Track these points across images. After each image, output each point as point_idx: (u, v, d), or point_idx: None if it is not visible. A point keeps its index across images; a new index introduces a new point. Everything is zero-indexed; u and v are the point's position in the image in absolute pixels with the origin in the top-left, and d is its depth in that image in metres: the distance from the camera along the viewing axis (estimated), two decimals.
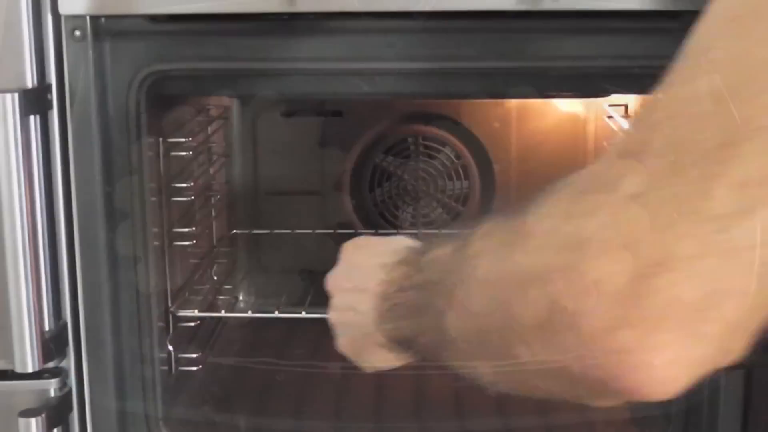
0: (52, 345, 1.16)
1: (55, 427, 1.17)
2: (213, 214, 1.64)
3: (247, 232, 1.63)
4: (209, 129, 1.61)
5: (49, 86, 1.13)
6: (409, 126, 1.75)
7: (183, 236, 1.38)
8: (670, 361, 0.44)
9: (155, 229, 1.22)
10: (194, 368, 1.39)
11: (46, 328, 1.15)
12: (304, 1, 1.07)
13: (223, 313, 1.48)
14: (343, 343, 0.85)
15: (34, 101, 1.10)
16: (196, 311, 1.37)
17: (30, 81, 1.10)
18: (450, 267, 0.56)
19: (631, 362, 0.44)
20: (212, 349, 1.54)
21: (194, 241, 1.42)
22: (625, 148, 0.46)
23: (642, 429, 1.32)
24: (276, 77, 1.19)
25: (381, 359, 0.80)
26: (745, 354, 0.47)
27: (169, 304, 1.31)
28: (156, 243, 1.23)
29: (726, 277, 0.43)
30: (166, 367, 1.28)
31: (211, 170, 1.64)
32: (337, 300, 0.83)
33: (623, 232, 0.44)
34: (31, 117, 1.10)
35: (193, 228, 1.43)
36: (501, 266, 0.52)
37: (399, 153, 1.77)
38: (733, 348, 0.47)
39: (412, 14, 1.09)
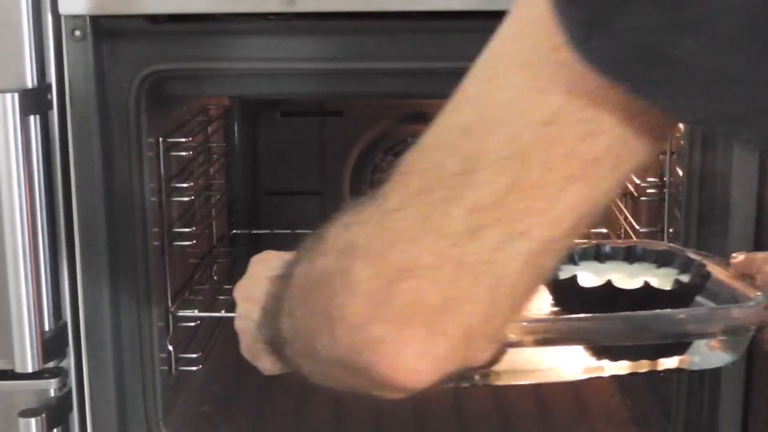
0: (52, 345, 1.16)
1: (55, 427, 1.17)
2: (213, 214, 1.64)
3: (247, 232, 1.63)
4: (209, 129, 1.61)
5: (49, 86, 1.13)
6: (409, 126, 1.75)
7: (183, 236, 1.38)
8: (416, 354, 0.50)
9: (155, 229, 1.22)
10: (194, 368, 1.39)
11: (46, 328, 1.15)
12: (304, 1, 1.07)
13: (223, 313, 1.48)
14: (243, 348, 0.91)
15: (34, 101, 1.10)
16: (196, 311, 1.37)
17: (30, 81, 1.10)
18: (287, 272, 0.62)
19: (384, 352, 0.51)
20: (212, 349, 1.54)
21: (194, 241, 1.42)
22: (401, 165, 0.53)
23: (642, 429, 1.32)
24: (276, 77, 1.19)
25: (269, 365, 0.86)
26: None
27: (169, 304, 1.31)
28: (156, 243, 1.23)
29: (460, 286, 0.49)
30: (166, 367, 1.28)
31: (211, 170, 1.64)
32: (239, 308, 0.88)
33: (382, 241, 0.51)
34: (31, 117, 1.10)
35: (193, 228, 1.43)
36: (306, 269, 0.58)
37: (399, 153, 1.76)
38: (478, 349, 0.52)
39: (412, 14, 1.09)
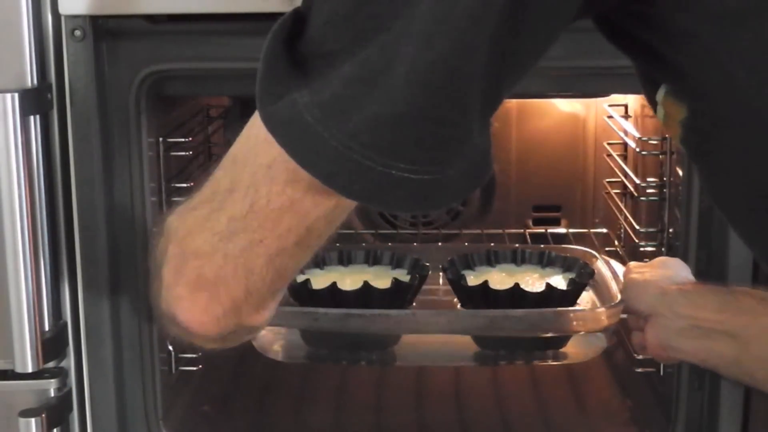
0: (52, 345, 1.16)
1: (55, 427, 1.17)
2: None
3: None
4: (209, 129, 1.61)
5: (49, 86, 1.13)
6: None
7: None
8: (202, 311, 0.71)
9: (155, 229, 1.22)
10: (194, 368, 1.39)
11: (46, 328, 1.15)
12: None
13: None
14: None
15: (34, 101, 1.10)
16: None
17: (30, 81, 1.10)
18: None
19: (182, 306, 0.71)
20: (212, 349, 1.54)
21: None
22: (212, 176, 0.72)
23: (642, 429, 1.32)
24: None
25: None
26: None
27: None
28: None
29: (226, 271, 0.69)
30: (166, 367, 1.28)
31: (211, 170, 1.64)
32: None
33: (184, 230, 0.71)
34: (31, 117, 1.10)
35: None
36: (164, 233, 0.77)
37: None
38: (248, 315, 0.72)
39: None
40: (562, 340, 1.27)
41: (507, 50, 0.60)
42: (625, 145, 1.58)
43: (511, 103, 1.72)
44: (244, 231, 0.68)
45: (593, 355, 1.30)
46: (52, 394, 1.18)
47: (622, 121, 1.57)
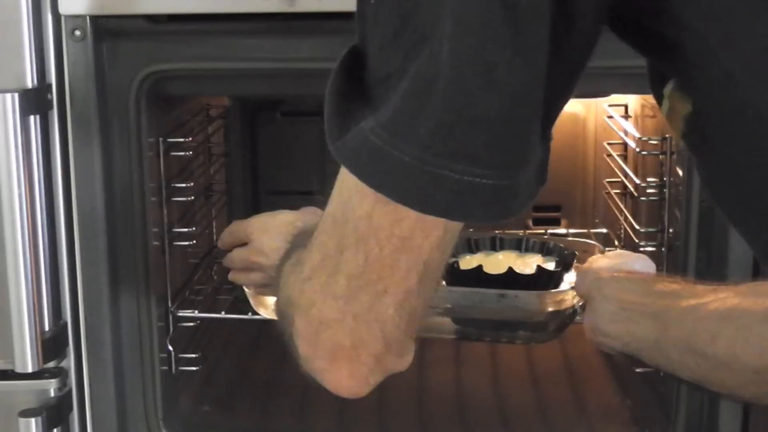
0: (52, 345, 1.16)
1: (55, 427, 1.17)
2: (213, 214, 1.64)
3: None
4: (209, 129, 1.61)
5: (49, 86, 1.13)
6: None
7: (183, 236, 1.38)
8: (347, 377, 0.71)
9: (155, 229, 1.22)
10: (194, 368, 1.39)
11: (46, 328, 1.15)
12: (303, 1, 1.07)
13: (223, 314, 1.48)
14: (249, 291, 1.17)
15: (34, 101, 1.10)
16: (196, 311, 1.37)
17: (30, 81, 1.10)
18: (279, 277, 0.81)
19: (326, 377, 0.72)
20: (212, 349, 1.54)
21: (194, 241, 1.42)
22: (314, 241, 0.70)
23: (642, 429, 1.32)
24: (276, 77, 1.19)
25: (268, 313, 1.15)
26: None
27: (169, 304, 1.31)
28: (156, 243, 1.23)
29: (360, 332, 0.68)
30: (166, 367, 1.28)
31: (211, 170, 1.64)
32: (257, 267, 1.14)
33: (305, 301, 0.70)
34: (31, 117, 1.10)
35: (193, 228, 1.43)
36: (277, 292, 0.79)
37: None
38: (392, 363, 0.71)
39: None
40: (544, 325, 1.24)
41: (561, 47, 0.61)
42: (625, 145, 1.58)
43: None
44: (366, 286, 0.67)
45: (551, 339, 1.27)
46: (52, 394, 1.18)
47: (622, 121, 1.57)
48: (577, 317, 1.16)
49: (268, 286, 1.14)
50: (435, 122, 0.60)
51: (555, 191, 1.74)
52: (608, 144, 1.64)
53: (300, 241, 0.83)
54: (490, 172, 0.61)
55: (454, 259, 1.26)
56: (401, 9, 0.61)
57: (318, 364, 0.72)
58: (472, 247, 1.30)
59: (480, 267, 1.20)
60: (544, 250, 1.30)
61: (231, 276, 1.22)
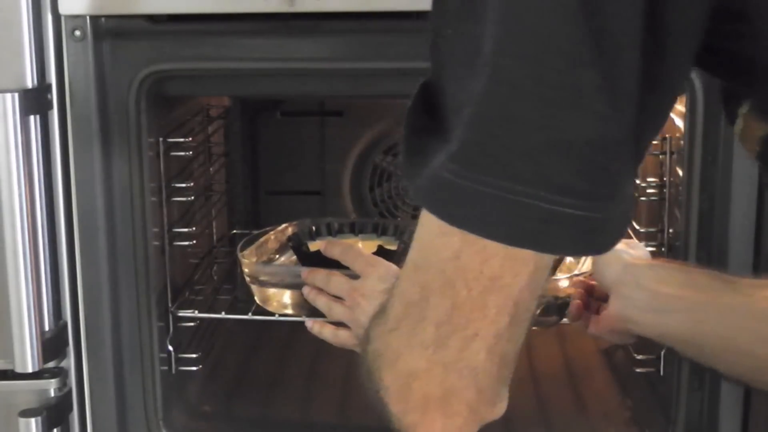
0: (52, 345, 1.16)
1: (55, 427, 1.17)
2: (213, 214, 1.64)
3: (247, 232, 1.62)
4: (209, 129, 1.61)
5: (49, 86, 1.13)
6: None
7: (183, 236, 1.38)
8: (441, 429, 0.68)
9: (155, 229, 1.22)
10: (194, 368, 1.39)
11: (46, 328, 1.15)
12: (303, 1, 1.07)
13: (223, 314, 1.48)
14: (358, 343, 1.08)
15: (34, 101, 1.10)
16: (196, 312, 1.37)
17: (30, 81, 1.10)
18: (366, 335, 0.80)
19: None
20: (212, 349, 1.54)
21: (194, 241, 1.42)
22: (395, 291, 0.68)
23: (642, 429, 1.32)
24: (276, 77, 1.19)
25: None
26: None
27: (169, 304, 1.31)
28: (156, 243, 1.23)
29: (451, 380, 0.65)
30: (166, 367, 1.28)
31: (211, 170, 1.64)
32: (357, 311, 1.11)
33: (391, 354, 0.68)
34: (31, 117, 1.10)
35: (193, 228, 1.43)
36: (365, 347, 0.75)
37: (399, 153, 1.77)
38: (487, 411, 0.68)
39: (412, 14, 1.09)
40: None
41: (652, 75, 0.58)
42: None
43: None
44: (454, 332, 0.65)
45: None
46: (52, 394, 1.18)
47: None
48: (564, 319, 1.17)
49: (340, 329, 1.15)
50: (520, 149, 0.57)
51: None
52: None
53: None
54: (581, 202, 0.58)
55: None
56: (476, 38, 0.58)
57: (410, 418, 0.69)
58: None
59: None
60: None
61: (311, 295, 1.20)
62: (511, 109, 0.56)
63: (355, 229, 1.51)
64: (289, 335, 1.60)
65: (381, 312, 0.71)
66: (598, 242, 0.60)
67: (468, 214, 0.59)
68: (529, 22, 0.56)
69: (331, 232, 1.49)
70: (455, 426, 0.68)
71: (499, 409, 0.69)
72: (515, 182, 0.57)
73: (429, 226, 0.62)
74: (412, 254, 0.66)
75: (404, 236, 1.46)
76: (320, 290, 1.21)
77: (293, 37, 1.13)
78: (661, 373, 1.29)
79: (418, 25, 1.12)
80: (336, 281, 1.17)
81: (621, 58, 0.56)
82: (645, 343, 1.24)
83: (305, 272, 1.23)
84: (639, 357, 1.29)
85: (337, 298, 1.18)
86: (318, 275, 1.21)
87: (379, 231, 1.51)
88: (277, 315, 1.41)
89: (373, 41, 1.13)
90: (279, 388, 1.46)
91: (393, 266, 1.14)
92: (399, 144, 0.63)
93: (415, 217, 1.78)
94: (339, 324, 1.19)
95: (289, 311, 1.37)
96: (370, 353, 0.71)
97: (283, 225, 1.57)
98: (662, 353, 1.27)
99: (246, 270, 1.37)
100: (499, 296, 0.63)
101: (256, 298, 1.37)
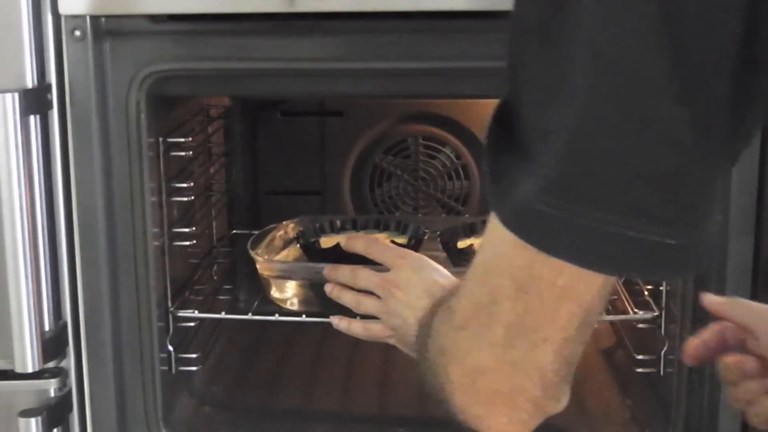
0: (52, 345, 1.16)
1: (55, 427, 1.17)
2: (213, 214, 1.64)
3: (247, 232, 1.63)
4: (209, 129, 1.61)
5: (49, 86, 1.13)
6: (409, 126, 1.75)
7: (183, 236, 1.38)
8: (506, 423, 0.72)
9: (155, 229, 1.22)
10: (194, 368, 1.39)
11: (46, 328, 1.15)
12: (303, 1, 1.07)
13: (223, 314, 1.48)
14: (393, 334, 1.15)
15: (34, 101, 1.10)
16: (196, 312, 1.37)
17: (30, 81, 1.10)
18: (428, 329, 0.82)
19: (483, 424, 0.72)
20: (212, 349, 1.54)
21: (194, 241, 1.42)
22: (462, 290, 0.71)
23: (642, 429, 1.32)
24: (276, 77, 1.19)
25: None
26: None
27: (169, 304, 1.31)
28: (156, 243, 1.23)
29: (518, 378, 0.69)
30: (166, 367, 1.28)
31: (211, 170, 1.64)
32: (392, 302, 1.12)
33: (459, 350, 0.71)
34: (31, 117, 1.10)
35: (193, 228, 1.43)
36: (426, 342, 0.79)
37: (399, 153, 1.77)
38: (549, 407, 0.72)
39: (412, 14, 1.09)
40: None
41: (741, 103, 0.58)
42: None
43: None
44: (524, 335, 0.67)
45: None
46: (52, 394, 1.18)
47: None
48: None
49: (371, 322, 1.16)
50: (611, 182, 0.58)
51: None
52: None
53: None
54: (668, 230, 0.59)
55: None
56: (559, 67, 0.58)
57: (475, 411, 0.72)
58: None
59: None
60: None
61: (334, 292, 1.21)
62: (602, 143, 0.57)
63: (357, 226, 1.53)
64: (289, 335, 1.60)
65: (446, 310, 0.73)
66: (682, 267, 0.62)
67: (559, 243, 0.61)
68: (618, 57, 0.56)
69: (334, 228, 1.51)
70: (520, 420, 0.72)
71: (562, 404, 0.73)
72: (606, 213, 0.58)
73: (501, 236, 0.64)
74: (482, 258, 0.68)
75: (408, 231, 1.49)
76: (343, 286, 1.21)
77: (293, 37, 1.13)
78: (661, 373, 1.30)
79: (418, 25, 1.12)
80: (363, 275, 1.18)
81: (710, 89, 0.57)
82: (645, 343, 1.24)
83: (328, 269, 1.23)
84: (639, 357, 1.30)
85: (364, 292, 1.18)
86: (342, 271, 1.21)
87: (381, 226, 1.53)
88: (277, 315, 1.41)
89: (373, 41, 1.13)
90: (279, 388, 1.46)
91: (423, 256, 1.17)
92: (483, 155, 0.64)
93: (415, 212, 1.79)
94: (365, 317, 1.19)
95: (305, 308, 1.39)
96: (434, 348, 0.75)
97: (284, 223, 1.57)
98: (662, 353, 1.27)
99: (260, 267, 1.39)
100: (571, 305, 0.65)
101: (272, 295, 1.39)
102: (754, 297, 1.15)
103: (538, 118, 0.60)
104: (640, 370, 1.35)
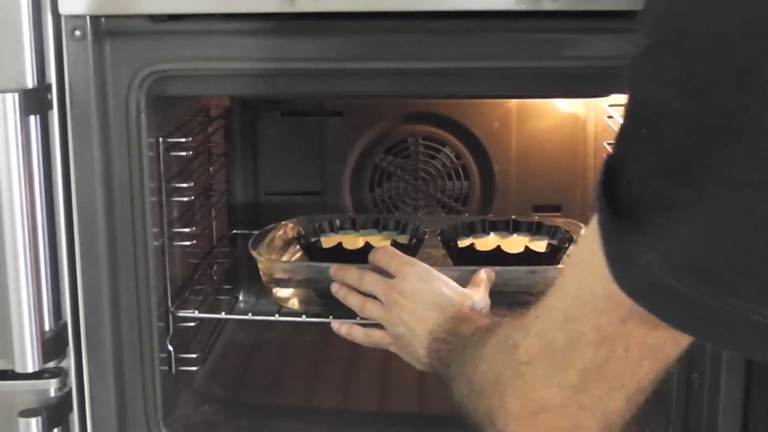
0: (52, 345, 1.16)
1: (55, 427, 1.17)
2: (213, 214, 1.64)
3: (247, 232, 1.63)
4: (209, 129, 1.61)
5: (49, 86, 1.13)
6: (409, 126, 1.75)
7: (183, 236, 1.38)
8: None
9: (155, 229, 1.22)
10: (194, 368, 1.39)
11: (46, 328, 1.15)
12: (304, 1, 1.07)
13: (223, 314, 1.48)
14: (395, 342, 1.16)
15: (34, 101, 1.10)
16: (196, 312, 1.37)
17: (30, 81, 1.10)
18: (460, 350, 0.90)
19: None
20: (212, 349, 1.54)
21: (194, 241, 1.42)
22: (521, 326, 0.74)
23: (642, 429, 1.32)
24: (276, 77, 1.19)
25: (420, 368, 1.13)
26: None
27: (169, 304, 1.31)
28: (156, 243, 1.23)
29: (582, 419, 0.71)
30: (166, 367, 1.28)
31: (211, 170, 1.64)
32: (396, 310, 1.13)
33: (523, 384, 0.72)
34: (31, 117, 1.10)
35: (193, 228, 1.43)
36: (471, 372, 0.83)
37: (399, 153, 1.77)
38: None
39: (412, 14, 1.09)
40: None
41: None
42: None
43: (511, 103, 1.72)
44: (600, 381, 0.69)
45: None
46: (52, 394, 1.18)
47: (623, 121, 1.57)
48: None
49: (373, 329, 1.17)
50: (745, 271, 0.58)
51: (555, 191, 1.74)
52: (608, 144, 1.64)
53: (460, 324, 0.95)
54: None
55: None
56: (686, 146, 0.58)
57: None
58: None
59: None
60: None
61: (340, 292, 1.22)
62: (754, 241, 0.57)
63: (356, 225, 1.54)
64: (289, 335, 1.60)
65: (506, 340, 0.76)
66: None
67: (685, 318, 0.61)
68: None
69: (333, 228, 1.52)
70: None
71: None
72: (735, 297, 0.58)
73: (590, 287, 0.66)
74: (561, 303, 0.70)
75: (408, 230, 1.51)
76: (349, 288, 1.21)
77: (293, 37, 1.13)
78: None
79: (418, 25, 1.12)
80: (370, 279, 1.18)
81: None
82: None
83: (334, 268, 1.24)
84: None
85: (369, 296, 1.19)
86: (349, 272, 1.21)
87: (380, 226, 1.53)
88: (277, 315, 1.41)
89: (373, 41, 1.13)
90: (279, 387, 1.46)
91: (429, 267, 1.17)
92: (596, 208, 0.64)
93: (415, 212, 1.79)
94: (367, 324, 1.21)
95: (305, 307, 1.40)
96: (489, 375, 0.77)
97: (282, 223, 1.57)
98: None
99: (263, 267, 1.39)
100: (655, 361, 0.68)
101: (275, 294, 1.41)
102: None
103: (656, 191, 0.60)
104: None
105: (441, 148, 1.75)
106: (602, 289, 0.64)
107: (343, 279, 1.22)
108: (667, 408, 1.26)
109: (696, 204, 0.58)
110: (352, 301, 1.20)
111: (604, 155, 1.73)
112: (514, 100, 1.71)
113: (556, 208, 1.76)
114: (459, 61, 1.14)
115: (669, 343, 0.67)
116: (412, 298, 1.12)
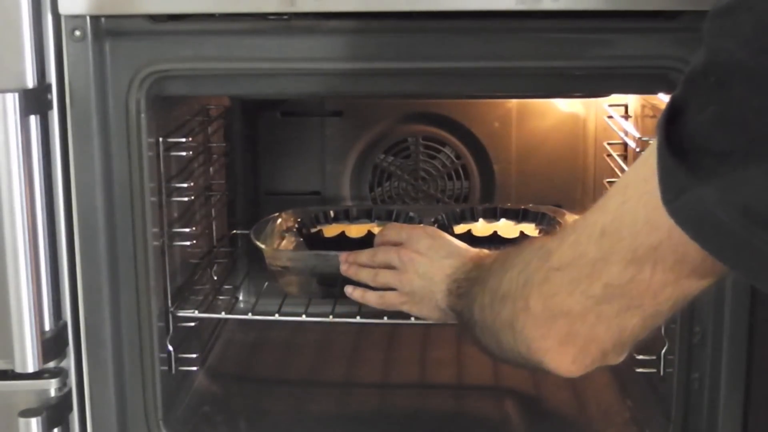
0: (52, 345, 1.16)
1: (55, 427, 1.17)
2: (213, 214, 1.64)
3: (247, 232, 1.63)
4: (209, 129, 1.61)
5: (49, 86, 1.13)
6: (409, 126, 1.75)
7: (183, 236, 1.38)
8: (571, 361, 0.79)
9: (155, 229, 1.22)
10: (194, 368, 1.39)
11: (46, 328, 1.15)
12: (304, 1, 1.07)
13: (223, 314, 1.48)
14: (408, 300, 1.21)
15: (34, 101, 1.10)
16: (196, 312, 1.37)
17: (30, 81, 1.10)
18: (483, 276, 0.92)
19: (550, 357, 0.79)
20: (212, 349, 1.54)
21: (194, 241, 1.42)
22: (568, 236, 0.77)
23: (642, 429, 1.32)
24: (276, 77, 1.19)
25: (435, 316, 1.17)
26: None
27: (169, 304, 1.31)
28: (156, 243, 1.23)
29: (599, 329, 0.75)
30: (166, 367, 1.28)
31: (211, 170, 1.64)
32: (412, 267, 1.18)
33: (549, 287, 0.77)
34: (31, 117, 1.10)
35: (193, 228, 1.43)
36: (495, 283, 0.86)
37: (399, 153, 1.77)
38: (611, 359, 0.79)
39: (412, 14, 1.09)
40: None
41: None
42: (625, 145, 1.58)
43: (511, 103, 1.72)
44: (621, 297, 0.73)
45: None
46: (52, 394, 1.18)
47: (622, 121, 1.57)
48: None
49: (386, 294, 1.21)
50: None
51: (555, 191, 1.74)
52: (608, 144, 1.64)
53: (476, 271, 0.98)
54: None
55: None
56: (748, 99, 0.60)
57: (544, 344, 0.78)
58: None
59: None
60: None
61: (350, 270, 1.26)
62: None
63: (350, 216, 1.58)
64: (289, 335, 1.60)
65: (541, 247, 0.79)
66: None
67: (729, 252, 0.63)
68: None
69: (328, 219, 1.57)
70: (583, 363, 0.78)
71: (622, 358, 0.80)
72: None
73: (634, 208, 0.68)
74: (601, 219, 0.72)
75: (401, 221, 1.55)
76: (359, 266, 1.26)
77: (293, 37, 1.13)
78: (661, 373, 1.29)
79: (418, 25, 1.12)
80: (383, 250, 1.24)
81: None
82: (645, 343, 1.24)
83: (344, 255, 1.29)
84: (639, 357, 1.29)
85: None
86: (361, 253, 1.27)
87: (372, 217, 1.58)
88: (277, 315, 1.41)
89: (373, 41, 1.13)
90: (279, 387, 1.46)
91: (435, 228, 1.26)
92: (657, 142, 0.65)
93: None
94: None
95: (303, 295, 1.43)
96: (511, 276, 0.81)
97: (275, 214, 1.57)
98: (662, 353, 1.27)
99: (268, 257, 1.41)
100: (676, 290, 0.71)
101: (279, 283, 1.42)
102: (753, 297, 1.15)
103: (717, 139, 0.62)
104: (640, 370, 1.35)
105: (441, 148, 1.76)
106: (645, 214, 0.67)
107: (357, 260, 1.27)
108: (667, 408, 1.26)
109: (752, 155, 0.60)
110: (364, 274, 1.25)
111: (605, 155, 1.74)
112: (514, 100, 1.71)
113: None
114: (459, 61, 1.14)
115: (693, 279, 0.69)
116: (428, 253, 1.17)
